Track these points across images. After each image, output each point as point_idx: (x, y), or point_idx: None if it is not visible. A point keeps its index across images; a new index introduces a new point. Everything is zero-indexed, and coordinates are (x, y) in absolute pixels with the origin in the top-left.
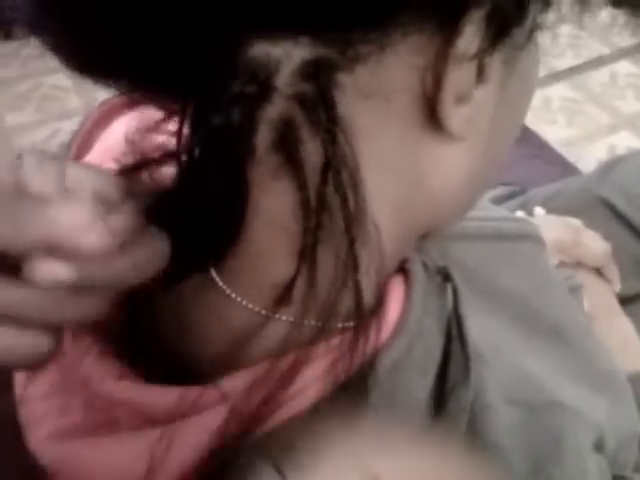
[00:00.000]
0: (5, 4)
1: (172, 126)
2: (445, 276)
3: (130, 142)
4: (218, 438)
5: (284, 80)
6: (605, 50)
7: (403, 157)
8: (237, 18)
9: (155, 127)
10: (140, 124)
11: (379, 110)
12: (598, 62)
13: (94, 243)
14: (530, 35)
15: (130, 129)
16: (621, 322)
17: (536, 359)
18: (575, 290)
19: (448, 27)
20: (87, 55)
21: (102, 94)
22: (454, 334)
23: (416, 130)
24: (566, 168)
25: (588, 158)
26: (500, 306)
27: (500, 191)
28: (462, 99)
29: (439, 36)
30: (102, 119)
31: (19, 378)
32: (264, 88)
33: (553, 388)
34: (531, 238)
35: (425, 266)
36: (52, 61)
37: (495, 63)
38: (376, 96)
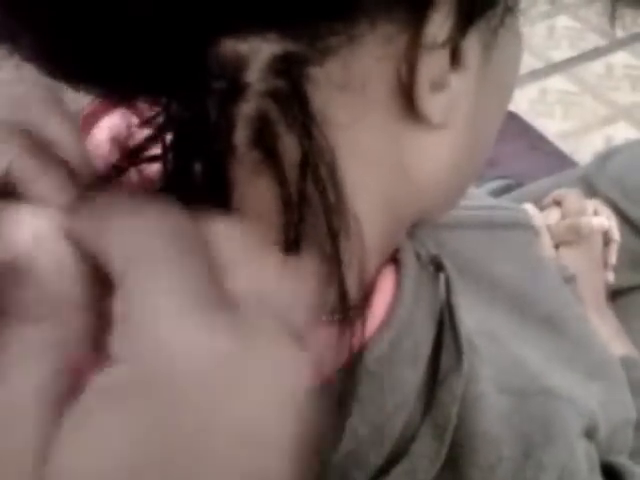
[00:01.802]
0: None
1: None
2: (437, 265)
3: (115, 142)
4: None
5: (255, 76)
6: (601, 41)
7: (384, 148)
8: (201, 16)
9: (139, 127)
10: (125, 124)
11: (355, 102)
12: (594, 53)
13: None
14: (503, 18)
15: (115, 129)
16: (609, 312)
17: (530, 347)
18: (569, 281)
19: (416, 14)
20: (58, 63)
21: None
22: (446, 324)
23: (395, 120)
24: (563, 160)
25: (585, 150)
26: (494, 294)
27: (496, 184)
28: (438, 86)
29: (408, 24)
30: (89, 119)
31: None
32: (235, 85)
33: (546, 376)
34: (524, 226)
35: (418, 256)
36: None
37: (472, 48)
38: (351, 88)
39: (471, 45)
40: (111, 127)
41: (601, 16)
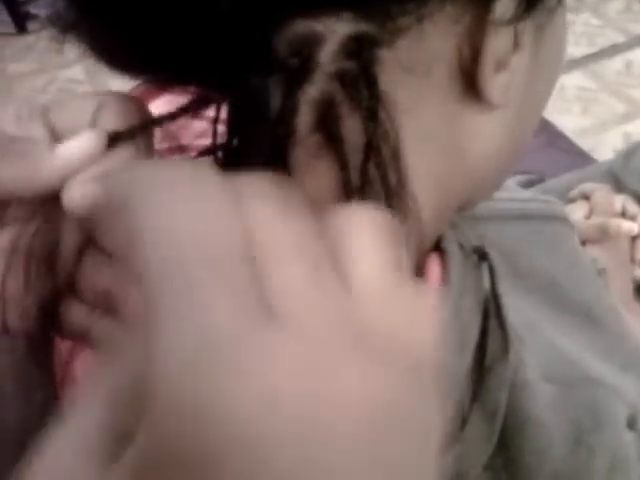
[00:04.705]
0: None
1: (207, 111)
2: (481, 255)
3: (164, 128)
4: None
5: (327, 57)
6: (620, 38)
7: (442, 130)
8: None
9: (191, 113)
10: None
11: (418, 84)
12: (613, 50)
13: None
14: None
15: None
16: (637, 306)
17: (567, 338)
18: (599, 274)
19: None
20: (127, 52)
21: (116, 85)
22: (492, 312)
23: (455, 101)
24: (581, 157)
25: (603, 147)
26: (531, 286)
27: (518, 179)
28: (500, 66)
29: (476, 2)
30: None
31: (59, 357)
32: (307, 65)
33: (586, 365)
34: (558, 219)
35: (461, 246)
36: (66, 55)
37: (528, 28)
38: (416, 69)
39: (527, 25)
40: (161, 111)
41: (620, 13)
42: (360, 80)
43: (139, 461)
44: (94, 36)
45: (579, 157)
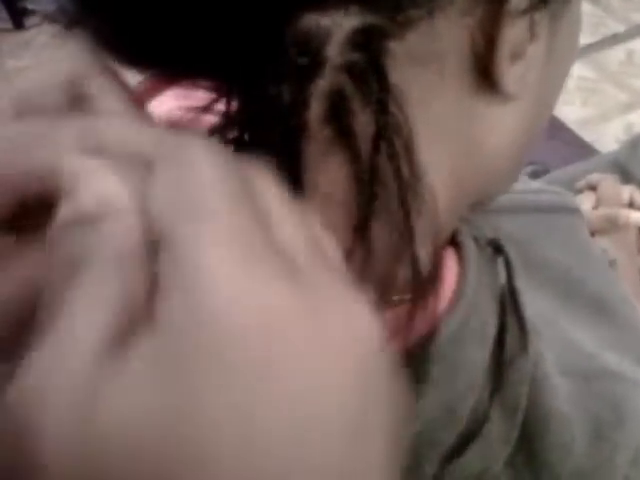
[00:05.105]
0: None
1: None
2: (496, 248)
3: (172, 123)
4: None
5: (335, 51)
6: (621, 28)
7: (456, 122)
8: None
9: (199, 108)
10: (181, 104)
11: (431, 76)
12: (614, 40)
13: None
14: None
15: (171, 110)
16: None
17: (582, 331)
18: (610, 265)
19: None
20: (135, 46)
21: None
22: (509, 306)
23: (468, 93)
24: (583, 148)
25: (605, 137)
26: (544, 278)
27: (524, 170)
28: (516, 56)
29: None
30: (139, 99)
31: None
32: (316, 60)
33: (603, 358)
34: (569, 210)
35: (475, 239)
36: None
37: (544, 18)
38: (428, 62)
39: (543, 15)
40: (167, 109)
41: (622, 2)
42: (369, 73)
43: None
44: (100, 30)
45: (581, 149)
